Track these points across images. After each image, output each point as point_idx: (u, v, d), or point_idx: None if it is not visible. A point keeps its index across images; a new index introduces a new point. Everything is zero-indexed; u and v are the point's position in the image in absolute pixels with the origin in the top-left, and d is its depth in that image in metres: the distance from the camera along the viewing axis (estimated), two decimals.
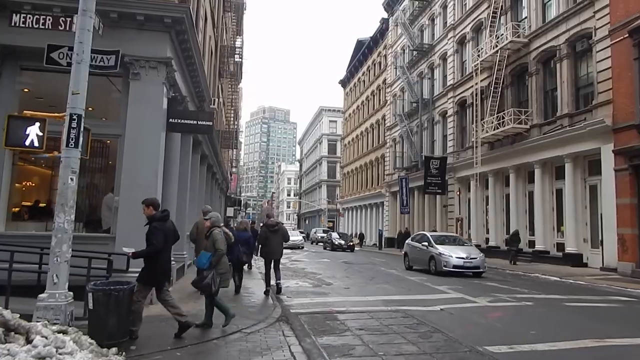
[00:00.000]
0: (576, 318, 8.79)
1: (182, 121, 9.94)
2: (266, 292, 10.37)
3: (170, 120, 9.74)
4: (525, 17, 23.65)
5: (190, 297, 9.71)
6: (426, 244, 17.38)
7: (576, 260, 19.03)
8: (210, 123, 10.19)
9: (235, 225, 13.33)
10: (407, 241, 20.05)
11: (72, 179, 6.02)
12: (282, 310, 8.52)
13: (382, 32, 46.20)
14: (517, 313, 9.05)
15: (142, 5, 8.70)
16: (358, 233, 46.70)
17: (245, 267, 14.24)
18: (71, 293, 5.97)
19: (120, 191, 8.67)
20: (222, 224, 7.14)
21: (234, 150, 44.38)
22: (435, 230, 29.09)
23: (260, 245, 11.02)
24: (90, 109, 11.41)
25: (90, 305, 5.71)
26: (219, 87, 24.91)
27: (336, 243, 35.36)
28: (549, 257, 20.69)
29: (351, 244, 35.58)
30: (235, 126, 33.94)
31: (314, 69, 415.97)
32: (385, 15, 44.73)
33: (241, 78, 44.04)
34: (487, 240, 26.08)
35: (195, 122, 10.11)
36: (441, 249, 16.68)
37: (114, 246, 8.49)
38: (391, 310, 8.89)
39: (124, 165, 8.70)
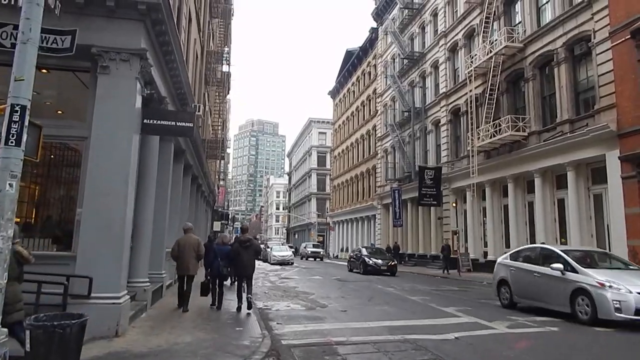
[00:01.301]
0: (620, 348, 7.59)
1: (159, 122, 8.74)
2: (238, 309, 10.19)
3: (145, 121, 8.56)
4: (520, 22, 23.03)
5: (165, 323, 8.47)
6: (560, 266, 10.14)
7: None
8: (191, 124, 9.00)
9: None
10: (501, 261, 12.88)
11: (11, 185, 4.81)
12: (271, 342, 7.26)
13: (371, 41, 45.64)
14: (545, 342, 7.85)
15: None
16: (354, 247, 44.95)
17: (228, 282, 13.90)
18: (5, 330, 4.76)
19: (84, 201, 7.43)
20: (17, 240, 5.25)
21: (221, 161, 43.15)
22: (448, 246, 26.26)
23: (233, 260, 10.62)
24: (59, 112, 10.40)
25: (27, 347, 4.50)
26: (205, 95, 23.81)
27: (370, 263, 24.65)
28: None
29: (392, 264, 24.88)
30: (222, 136, 32.77)
31: (302, 80, 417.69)
32: (375, 25, 44.26)
33: (229, 89, 43.02)
34: (486, 254, 25.07)
35: (173, 123, 8.91)
36: (598, 275, 9.55)
37: (74, 267, 7.25)
38: (398, 340, 7.64)
39: (88, 172, 7.49)
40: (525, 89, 22.26)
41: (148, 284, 9.94)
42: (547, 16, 21.02)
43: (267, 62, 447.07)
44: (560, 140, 19.16)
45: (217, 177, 43.23)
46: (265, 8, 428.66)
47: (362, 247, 32.08)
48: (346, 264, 29.68)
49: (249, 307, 10.04)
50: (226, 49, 31.32)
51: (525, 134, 21.37)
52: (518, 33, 22.70)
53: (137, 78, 7.88)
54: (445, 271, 24.61)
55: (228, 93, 43.57)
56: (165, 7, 8.09)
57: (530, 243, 21.85)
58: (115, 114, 7.63)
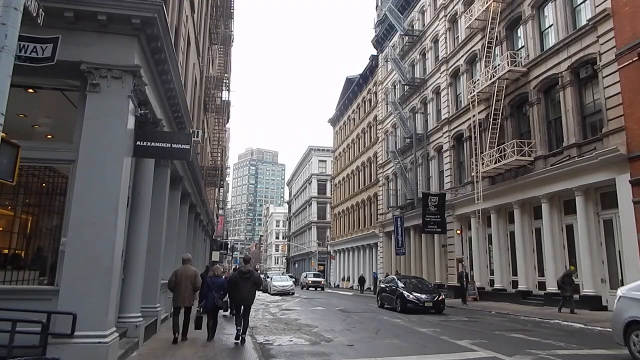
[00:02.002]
0: None
1: (153, 144, 8.19)
2: (239, 340, 10.04)
3: (138, 142, 8.02)
4: (522, 46, 22.89)
5: None
6: None
7: (594, 303, 17.30)
8: (188, 146, 8.46)
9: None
10: (628, 293, 8.52)
11: None
12: None
13: (371, 69, 45.82)
14: None
15: (104, 3, 7.16)
16: (358, 276, 43.70)
17: (227, 313, 13.68)
18: None
19: (69, 230, 6.80)
20: None
21: (220, 190, 42.59)
22: (466, 274, 24.22)
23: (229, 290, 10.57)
24: (49, 136, 9.89)
25: None
26: (205, 122, 23.44)
27: (410, 299, 18.86)
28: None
29: (440, 298, 19.11)
30: (221, 164, 32.30)
31: (302, 109, 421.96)
32: (375, 52, 44.55)
33: (229, 117, 42.88)
34: (492, 282, 24.25)
35: (169, 145, 8.36)
36: None
37: (57, 302, 6.57)
38: None
39: (74, 198, 6.89)
40: (529, 113, 21.93)
41: (141, 319, 9.19)
42: (551, 40, 20.87)
43: (267, 90, 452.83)
44: (567, 165, 18.70)
45: (216, 205, 42.61)
46: (265, 36, 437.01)
47: (394, 275, 25.94)
48: (351, 295, 28.30)
49: (240, 340, 9.94)
50: (226, 75, 31.20)
51: (531, 158, 20.93)
52: (521, 57, 22.56)
53: (129, 96, 7.37)
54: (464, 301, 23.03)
55: (228, 121, 43.39)
56: (161, 22, 7.66)
57: (538, 271, 21.17)
58: (105, 135, 7.08)
